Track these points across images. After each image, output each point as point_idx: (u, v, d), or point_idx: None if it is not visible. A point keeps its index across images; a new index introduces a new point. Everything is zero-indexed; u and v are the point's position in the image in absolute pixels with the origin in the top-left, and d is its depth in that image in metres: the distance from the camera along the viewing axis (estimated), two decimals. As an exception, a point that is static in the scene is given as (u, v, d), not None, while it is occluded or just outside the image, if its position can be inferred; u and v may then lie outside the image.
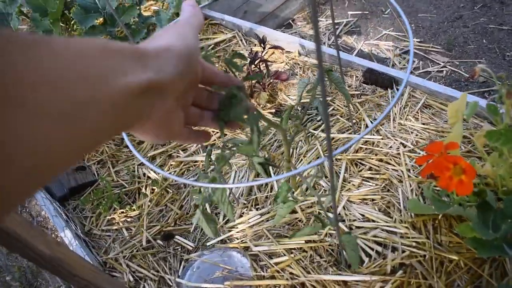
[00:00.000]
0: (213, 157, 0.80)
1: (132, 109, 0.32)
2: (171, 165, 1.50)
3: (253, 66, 1.48)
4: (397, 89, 1.46)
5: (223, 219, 1.29)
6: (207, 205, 1.33)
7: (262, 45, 1.49)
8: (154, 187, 1.44)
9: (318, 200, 0.92)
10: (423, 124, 1.34)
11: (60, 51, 0.26)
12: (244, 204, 1.30)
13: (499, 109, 0.88)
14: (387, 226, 1.14)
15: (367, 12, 2.42)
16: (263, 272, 1.15)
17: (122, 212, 1.41)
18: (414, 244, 1.09)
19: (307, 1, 2.52)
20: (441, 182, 0.84)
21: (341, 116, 1.45)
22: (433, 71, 1.99)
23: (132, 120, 0.34)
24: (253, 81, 1.54)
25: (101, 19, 1.73)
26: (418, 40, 2.17)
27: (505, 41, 2.06)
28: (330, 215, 1.19)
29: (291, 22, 2.47)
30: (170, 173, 1.46)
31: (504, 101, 0.84)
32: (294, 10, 2.48)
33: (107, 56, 0.30)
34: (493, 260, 1.04)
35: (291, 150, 1.38)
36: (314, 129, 1.43)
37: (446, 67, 1.99)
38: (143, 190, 1.45)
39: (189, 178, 1.44)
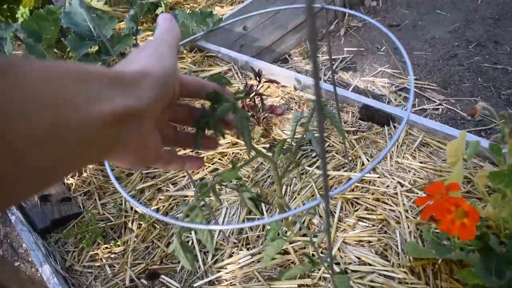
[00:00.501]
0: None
1: (107, 136, 0.30)
2: (160, 199, 1.44)
3: (247, 99, 1.45)
4: (394, 126, 1.43)
5: (212, 259, 1.23)
6: (195, 243, 1.27)
7: (257, 78, 1.46)
8: (141, 222, 1.38)
9: (310, 239, 0.86)
10: (421, 162, 1.30)
11: (30, 77, 0.25)
12: (235, 243, 1.24)
13: (502, 149, 0.84)
14: (385, 270, 1.08)
15: (363, 49, 2.43)
16: (253, 316, 1.08)
17: (106, 248, 1.34)
18: (413, 290, 1.03)
19: (303, 36, 2.53)
20: (442, 226, 0.79)
21: (337, 153, 1.41)
22: (429, 108, 1.97)
23: (107, 147, 0.32)
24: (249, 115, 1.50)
25: (96, 46, 1.71)
26: (414, 77, 2.16)
27: (500, 80, 2.06)
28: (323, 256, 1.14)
29: (287, 57, 2.47)
30: (158, 208, 1.40)
31: (506, 141, 0.81)
32: (291, 45, 2.48)
33: (82, 82, 0.28)
34: (496, 309, 0.98)
35: (284, 187, 1.33)
36: (309, 166, 1.39)
37: (442, 105, 1.98)
38: (130, 224, 1.39)
39: (177, 214, 1.39)
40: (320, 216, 1.22)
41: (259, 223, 0.58)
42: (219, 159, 1.51)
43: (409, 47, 2.37)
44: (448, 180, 0.90)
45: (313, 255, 1.15)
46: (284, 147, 0.91)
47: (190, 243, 1.28)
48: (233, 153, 1.52)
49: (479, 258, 0.87)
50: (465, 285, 1.01)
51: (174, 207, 1.41)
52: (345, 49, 2.44)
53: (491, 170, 0.87)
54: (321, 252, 1.17)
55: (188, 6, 2.61)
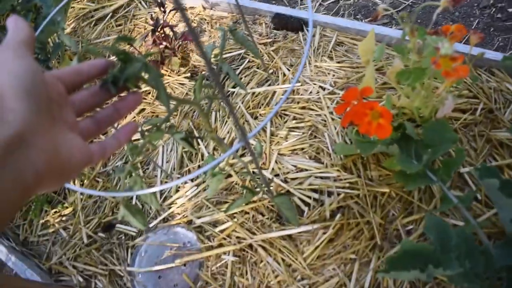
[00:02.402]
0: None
1: None
2: (95, 152, 1.42)
3: (157, 33, 1.40)
4: (308, 30, 1.45)
5: (160, 198, 1.27)
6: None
7: (161, 8, 1.40)
8: (83, 180, 1.38)
9: (246, 169, 0.91)
10: (338, 62, 1.35)
11: None
12: (178, 178, 1.28)
13: (405, 48, 0.89)
14: (320, 172, 1.16)
15: None
16: (211, 241, 1.16)
17: (56, 212, 1.35)
18: (347, 185, 1.12)
19: None
20: (362, 129, 0.86)
21: (258, 68, 1.43)
22: (341, 0, 1.98)
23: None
24: (162, 47, 1.46)
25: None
26: (321, -31, 2.13)
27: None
28: (263, 172, 1.20)
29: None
30: (95, 162, 1.39)
31: (410, 39, 0.85)
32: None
33: None
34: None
35: (213, 113, 1.35)
36: (233, 87, 1.40)
37: (352, -7, 1.99)
38: (71, 183, 1.38)
39: (116, 162, 1.39)
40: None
41: (196, 174, 0.60)
42: (143, 98, 1.49)
43: None
44: (362, 84, 0.95)
45: (250, 180, 1.21)
46: (204, 84, 0.92)
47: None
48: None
49: (398, 147, 0.95)
50: (391, 170, 1.12)
51: (111, 157, 1.40)
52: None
53: (400, 66, 0.93)
54: (260, 168, 1.23)
55: None
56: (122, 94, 0.46)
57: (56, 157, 0.34)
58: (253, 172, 1.22)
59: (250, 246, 1.12)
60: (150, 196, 0.72)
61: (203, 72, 1.47)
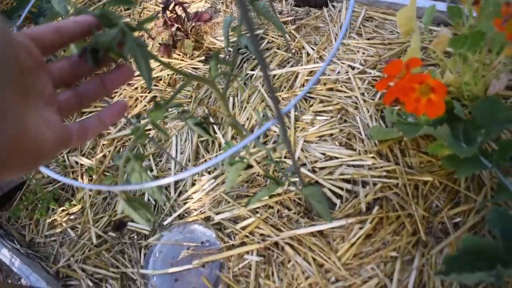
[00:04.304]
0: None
1: None
2: (103, 145, 1.32)
3: (168, 12, 1.28)
4: (333, 6, 1.32)
5: (175, 192, 1.15)
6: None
7: (172, -15, 1.28)
8: (91, 175, 1.27)
9: (270, 156, 0.79)
10: (368, 39, 1.22)
11: None
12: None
13: (461, 10, 0.76)
14: (352, 160, 1.04)
15: None
16: (232, 240, 1.04)
17: (63, 210, 1.24)
18: (384, 173, 1.00)
19: None
20: (408, 107, 0.73)
21: (278, 48, 1.30)
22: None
23: None
24: (173, 29, 1.35)
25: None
26: None
27: None
28: (288, 161, 1.08)
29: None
30: (104, 155, 1.29)
31: (464, 1, 0.72)
32: None
33: None
34: (469, 172, 0.98)
35: (231, 98, 1.23)
36: (252, 69, 1.28)
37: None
38: (80, 180, 1.28)
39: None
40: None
41: (212, 163, 0.49)
42: (154, 84, 1.37)
43: None
44: (407, 55, 0.82)
45: (274, 171, 1.09)
46: (221, 60, 0.79)
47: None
48: (168, 75, 1.38)
49: (448, 129, 0.82)
50: (434, 156, 0.99)
51: (121, 149, 1.29)
52: None
53: (448, 35, 0.80)
54: (284, 157, 1.11)
55: None
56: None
57: (23, 140, 0.28)
58: (276, 161, 1.09)
59: (276, 244, 1.00)
60: (153, 188, 0.61)
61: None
